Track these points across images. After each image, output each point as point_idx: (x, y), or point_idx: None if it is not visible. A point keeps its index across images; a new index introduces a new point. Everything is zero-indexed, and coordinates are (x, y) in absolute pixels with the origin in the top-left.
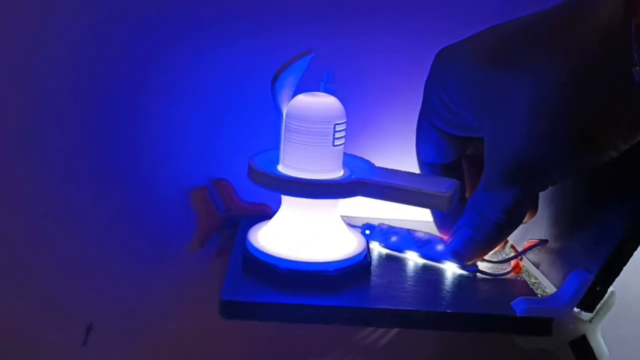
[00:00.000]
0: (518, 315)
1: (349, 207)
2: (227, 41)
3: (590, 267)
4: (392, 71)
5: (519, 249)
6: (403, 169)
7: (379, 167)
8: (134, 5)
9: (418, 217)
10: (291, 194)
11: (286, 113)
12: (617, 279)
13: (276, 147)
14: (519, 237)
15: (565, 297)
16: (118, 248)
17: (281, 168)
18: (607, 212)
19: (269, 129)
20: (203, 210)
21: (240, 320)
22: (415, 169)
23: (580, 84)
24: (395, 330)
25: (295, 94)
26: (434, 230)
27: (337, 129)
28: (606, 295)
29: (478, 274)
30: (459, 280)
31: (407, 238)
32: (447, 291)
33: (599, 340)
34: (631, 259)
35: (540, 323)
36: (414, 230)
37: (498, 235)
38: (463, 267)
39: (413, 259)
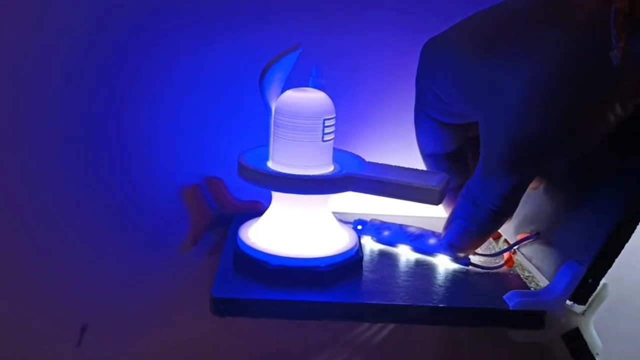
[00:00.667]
0: (510, 308)
1: (341, 203)
2: (216, 38)
3: (583, 260)
4: (381, 66)
5: (511, 243)
6: (394, 164)
7: (369, 162)
8: (123, 4)
9: (410, 213)
10: (281, 190)
11: (275, 109)
12: (609, 271)
13: (266, 144)
14: (512, 231)
15: (558, 290)
16: (110, 247)
17: (271, 164)
18: (599, 205)
19: (260, 126)
20: (195, 209)
21: (232, 317)
22: (406, 164)
23: (572, 68)
24: (390, 325)
25: (284, 90)
26: (425, 225)
27: (326, 124)
28: (598, 288)
29: (471, 267)
30: (452, 275)
31: (399, 232)
32: (440, 285)
33: (592, 333)
34: (623, 251)
35: (532, 316)
36: (406, 225)
37: (493, 224)
38: (456, 260)
39: (405, 252)
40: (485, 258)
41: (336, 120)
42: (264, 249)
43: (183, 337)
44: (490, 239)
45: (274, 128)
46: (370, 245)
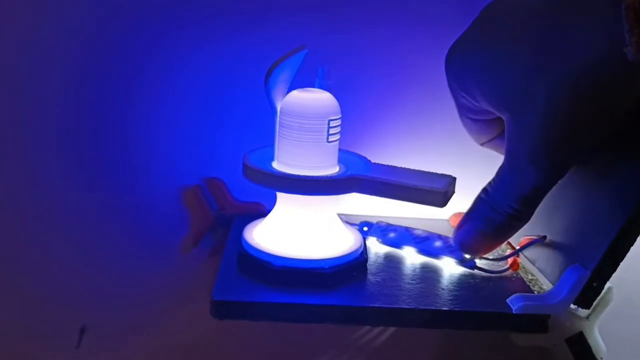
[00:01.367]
0: (514, 312)
1: (347, 205)
2: (219, 38)
3: (587, 263)
4: (387, 67)
5: (516, 246)
6: (399, 165)
7: (374, 163)
8: (125, 3)
9: (417, 215)
10: (286, 191)
11: (280, 109)
12: (614, 275)
13: (270, 145)
14: (517, 234)
15: (562, 294)
16: (110, 249)
17: (276, 165)
18: (604, 208)
19: (262, 127)
20: (196, 210)
21: (233, 320)
22: (413, 165)
23: (595, 65)
24: (391, 329)
25: (290, 91)
26: (431, 228)
27: (331, 125)
28: (603, 292)
29: (476, 270)
30: (455, 278)
31: (405, 235)
32: (443, 289)
33: (596, 337)
34: (628, 255)
35: (536, 320)
36: (412, 228)
37: (508, 229)
38: (461, 263)
39: (410, 255)
40: (489, 261)
41: (342, 121)
42: (268, 249)
43: (183, 339)
44: None
45: (279, 128)
46: (375, 247)
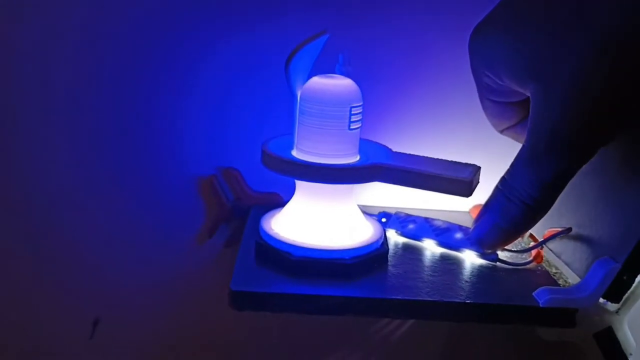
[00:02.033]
0: (541, 305)
1: (365, 196)
2: (237, 28)
3: (617, 256)
4: (409, 54)
5: (540, 238)
6: (421, 154)
7: (396, 152)
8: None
9: (435, 207)
10: (308, 179)
11: (300, 96)
12: None
13: (289, 133)
14: (540, 226)
15: (590, 287)
16: (124, 240)
17: (295, 153)
18: (634, 198)
19: (279, 116)
20: (212, 200)
21: (251, 311)
22: (433, 155)
23: (627, 36)
24: (408, 323)
25: (309, 77)
26: (451, 219)
27: (353, 112)
28: (634, 285)
29: (498, 263)
30: (478, 270)
31: (424, 226)
32: (466, 281)
33: (626, 332)
34: None
35: (563, 314)
36: (432, 219)
37: (526, 221)
38: (483, 256)
39: (430, 247)
40: (512, 254)
41: (362, 108)
42: (287, 239)
43: (197, 331)
44: None
45: (299, 116)
46: (394, 238)
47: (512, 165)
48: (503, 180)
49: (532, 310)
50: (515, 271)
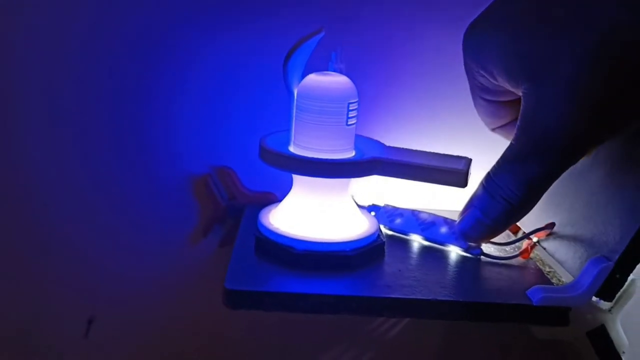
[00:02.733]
0: (534, 304)
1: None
2: (231, 26)
3: (610, 254)
4: (402, 50)
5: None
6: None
7: (389, 147)
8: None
9: (434, 207)
10: (309, 174)
11: (298, 93)
12: (637, 267)
13: (285, 129)
14: (528, 220)
15: (583, 286)
16: (118, 239)
17: (292, 149)
18: (628, 197)
19: (273, 114)
20: (206, 200)
21: (246, 310)
22: (425, 149)
23: (623, 38)
24: (404, 320)
25: (303, 74)
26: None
27: (350, 108)
28: (626, 284)
29: (483, 257)
30: (473, 269)
31: (411, 220)
32: (461, 279)
33: (619, 331)
34: None
35: (557, 312)
36: (418, 212)
37: (509, 217)
38: (467, 251)
39: (421, 241)
40: (498, 247)
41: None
42: (289, 233)
43: (193, 330)
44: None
45: (296, 112)
46: (385, 231)
47: (497, 163)
48: (488, 176)
49: (525, 309)
50: (509, 270)
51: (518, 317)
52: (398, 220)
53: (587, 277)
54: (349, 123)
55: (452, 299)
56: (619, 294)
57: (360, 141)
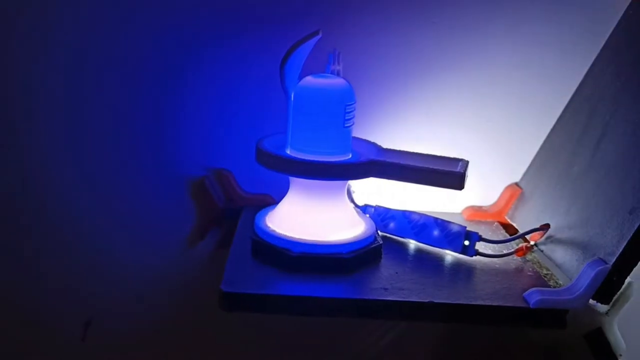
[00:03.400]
0: (531, 306)
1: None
2: (228, 32)
3: (607, 257)
4: (399, 52)
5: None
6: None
7: (386, 149)
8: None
9: (429, 209)
10: (307, 177)
11: (295, 95)
12: (634, 270)
13: (281, 132)
14: (525, 223)
15: (580, 288)
16: (115, 242)
17: (289, 151)
18: (624, 200)
19: (270, 117)
20: (203, 202)
21: (242, 312)
22: (421, 151)
23: None
24: (399, 324)
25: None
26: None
27: (347, 110)
28: (623, 287)
29: (479, 257)
30: (470, 271)
31: (403, 223)
32: (457, 282)
33: (616, 333)
34: None
35: (554, 315)
36: (410, 212)
37: None
38: (462, 252)
39: (414, 242)
40: (495, 248)
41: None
42: (285, 235)
43: (189, 331)
44: (503, 230)
45: (293, 115)
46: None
47: None
48: None
49: (522, 311)
50: (506, 272)
51: (515, 320)
52: (391, 225)
53: (584, 279)
54: (346, 125)
55: (449, 302)
56: (616, 296)
57: (357, 143)
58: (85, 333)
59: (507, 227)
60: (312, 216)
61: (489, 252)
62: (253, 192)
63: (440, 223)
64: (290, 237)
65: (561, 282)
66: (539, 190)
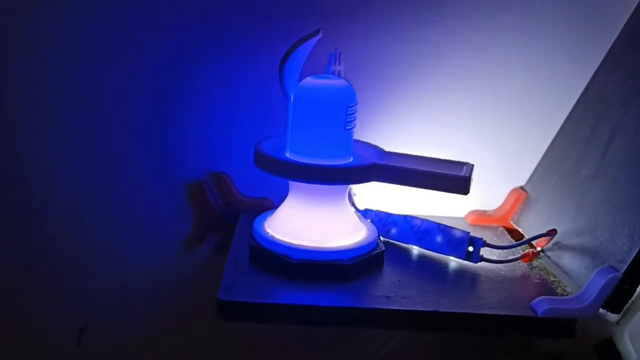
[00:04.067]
0: (539, 316)
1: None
2: (228, 33)
3: (618, 265)
4: (403, 53)
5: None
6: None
7: (388, 152)
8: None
9: (433, 213)
10: (307, 181)
11: (295, 97)
12: None
13: (281, 134)
14: (531, 228)
15: (590, 297)
16: (111, 246)
17: (289, 155)
18: (636, 206)
19: (268, 119)
20: (201, 205)
21: (239, 321)
22: (425, 154)
23: None
24: (401, 332)
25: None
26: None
27: (349, 112)
28: (635, 295)
29: (483, 263)
30: (475, 278)
31: (405, 229)
32: (462, 290)
33: (627, 344)
34: None
35: (562, 324)
36: (412, 217)
37: None
38: (466, 258)
39: (416, 248)
40: (500, 253)
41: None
42: (284, 241)
43: (185, 337)
44: (508, 235)
45: (293, 117)
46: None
47: None
48: None
49: (530, 321)
50: (512, 279)
51: (522, 330)
52: (393, 230)
53: (594, 288)
54: (347, 128)
55: (453, 311)
56: (627, 305)
57: (358, 146)
58: (80, 339)
59: (513, 232)
60: (312, 221)
61: (494, 257)
62: (252, 195)
63: (442, 228)
64: (290, 243)
65: (569, 290)
66: (544, 194)
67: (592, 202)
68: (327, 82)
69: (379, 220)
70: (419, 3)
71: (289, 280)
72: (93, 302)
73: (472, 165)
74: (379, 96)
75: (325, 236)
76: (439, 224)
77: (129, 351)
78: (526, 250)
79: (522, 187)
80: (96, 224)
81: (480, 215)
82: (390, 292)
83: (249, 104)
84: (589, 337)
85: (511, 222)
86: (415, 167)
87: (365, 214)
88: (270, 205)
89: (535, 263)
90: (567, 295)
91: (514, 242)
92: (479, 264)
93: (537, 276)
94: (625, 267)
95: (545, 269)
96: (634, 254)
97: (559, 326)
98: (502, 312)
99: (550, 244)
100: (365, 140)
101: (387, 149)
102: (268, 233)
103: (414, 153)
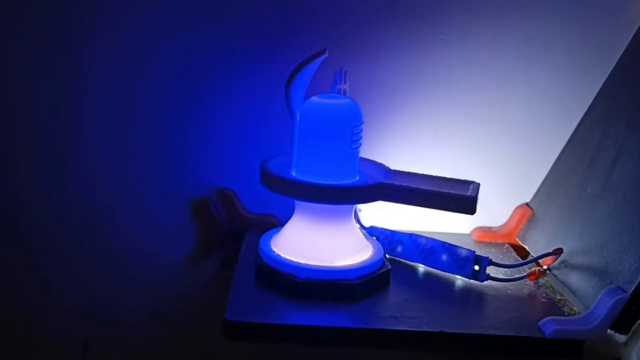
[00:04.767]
0: (547, 337)
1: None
2: (232, 50)
3: (626, 285)
4: (409, 72)
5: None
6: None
7: (394, 171)
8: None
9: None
10: (313, 201)
11: (301, 116)
12: None
13: (287, 152)
14: (537, 245)
15: (598, 318)
16: (115, 261)
17: (295, 173)
18: None
19: (274, 136)
20: (206, 222)
21: (246, 342)
22: (430, 172)
23: None
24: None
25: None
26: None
27: (354, 131)
28: None
29: (489, 281)
30: (481, 298)
31: (411, 247)
32: (469, 310)
33: None
34: None
35: (570, 345)
36: (416, 236)
37: None
38: (473, 278)
39: (423, 266)
40: (506, 272)
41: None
42: (290, 261)
43: (190, 355)
44: (514, 252)
45: (299, 136)
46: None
47: None
48: None
49: (537, 342)
50: (518, 299)
51: (530, 350)
52: (399, 249)
53: (602, 308)
54: (353, 147)
55: (460, 332)
56: (635, 326)
57: (364, 164)
58: (84, 354)
59: (518, 249)
60: (319, 240)
61: (500, 275)
62: (257, 212)
63: (448, 247)
64: (296, 262)
65: (576, 309)
66: (550, 212)
67: (599, 221)
68: (333, 102)
69: (384, 238)
70: (424, 21)
71: (295, 300)
72: (95, 318)
73: (478, 184)
74: (383, 114)
75: (332, 255)
76: (444, 243)
77: None
78: (532, 269)
79: (527, 204)
80: (98, 239)
81: (485, 231)
82: (397, 312)
83: (254, 121)
84: (596, 358)
85: (517, 239)
86: (421, 186)
87: (370, 231)
88: (276, 221)
89: (541, 281)
90: (574, 314)
91: (520, 260)
92: (485, 282)
93: (544, 295)
94: (633, 288)
95: (552, 287)
96: None
97: (567, 347)
98: (509, 333)
99: (556, 262)
100: (370, 158)
101: (392, 167)
102: (274, 252)
103: (420, 171)
